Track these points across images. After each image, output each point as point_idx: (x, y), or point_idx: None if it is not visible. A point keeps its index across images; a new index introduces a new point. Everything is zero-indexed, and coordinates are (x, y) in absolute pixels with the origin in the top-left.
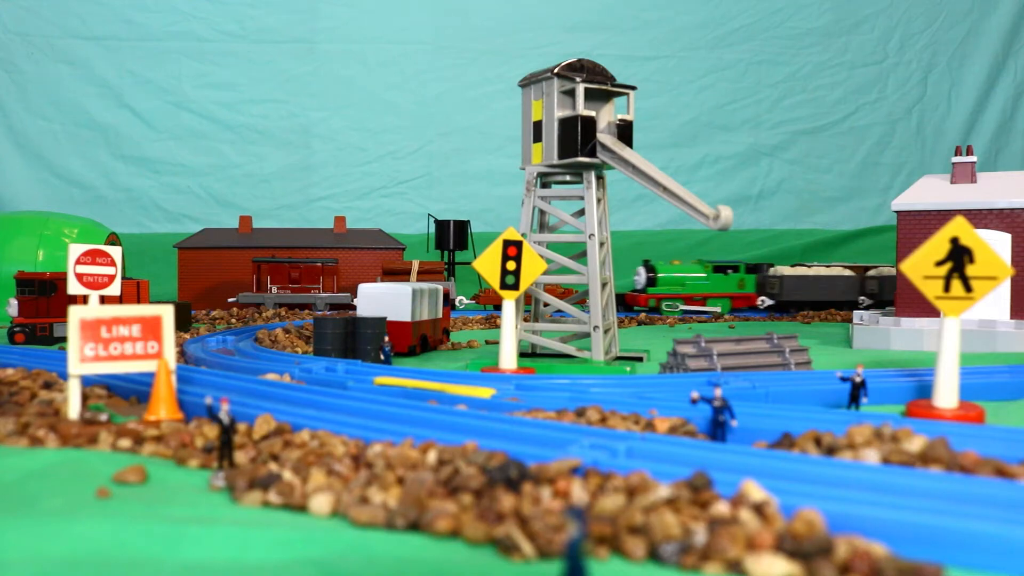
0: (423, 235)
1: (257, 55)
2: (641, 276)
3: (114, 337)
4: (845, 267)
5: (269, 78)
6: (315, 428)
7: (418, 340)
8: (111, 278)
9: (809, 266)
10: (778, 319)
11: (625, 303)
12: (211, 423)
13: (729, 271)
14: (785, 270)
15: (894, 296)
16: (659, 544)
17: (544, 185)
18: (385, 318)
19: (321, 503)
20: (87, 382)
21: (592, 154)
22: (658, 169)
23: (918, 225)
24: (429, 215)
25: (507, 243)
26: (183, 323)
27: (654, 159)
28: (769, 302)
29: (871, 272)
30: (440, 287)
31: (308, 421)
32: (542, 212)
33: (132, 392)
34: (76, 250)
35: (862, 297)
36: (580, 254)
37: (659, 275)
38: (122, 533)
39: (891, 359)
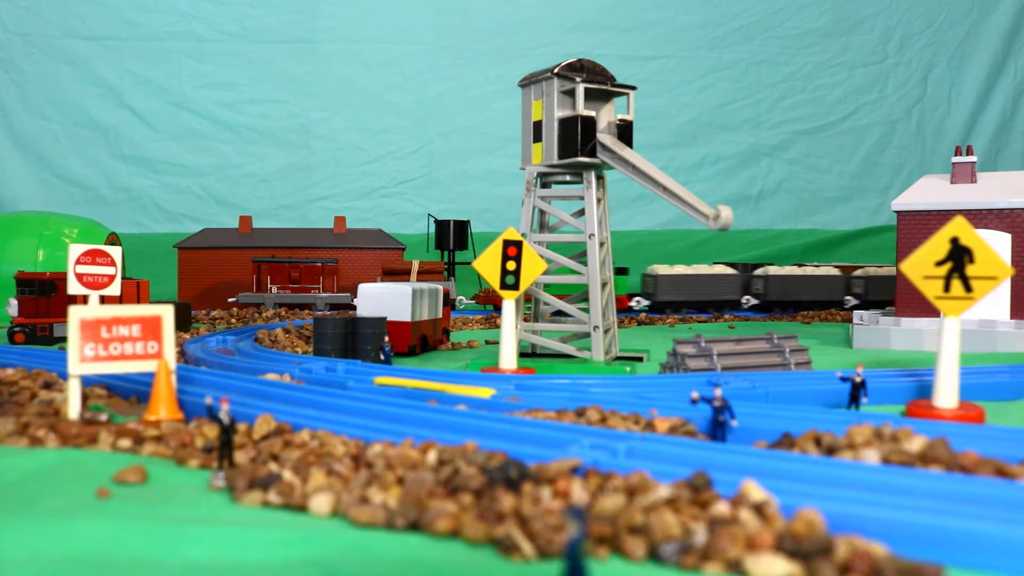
0: (423, 235)
1: (257, 55)
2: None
3: (114, 337)
4: (729, 266)
5: (269, 78)
6: (315, 428)
7: (418, 340)
8: (111, 278)
9: (689, 265)
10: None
11: (479, 302)
12: (211, 423)
13: None
14: (661, 269)
15: (772, 295)
16: (659, 544)
17: (544, 185)
18: (385, 318)
19: (321, 503)
20: (87, 382)
21: (592, 154)
22: (658, 169)
23: (918, 225)
24: (429, 215)
25: (507, 243)
26: (183, 323)
27: (654, 159)
28: (645, 302)
29: (757, 271)
30: (440, 287)
31: (308, 421)
32: (542, 212)
33: (132, 392)
34: (76, 250)
35: (747, 297)
36: (580, 254)
37: None
38: (122, 533)
39: (891, 359)
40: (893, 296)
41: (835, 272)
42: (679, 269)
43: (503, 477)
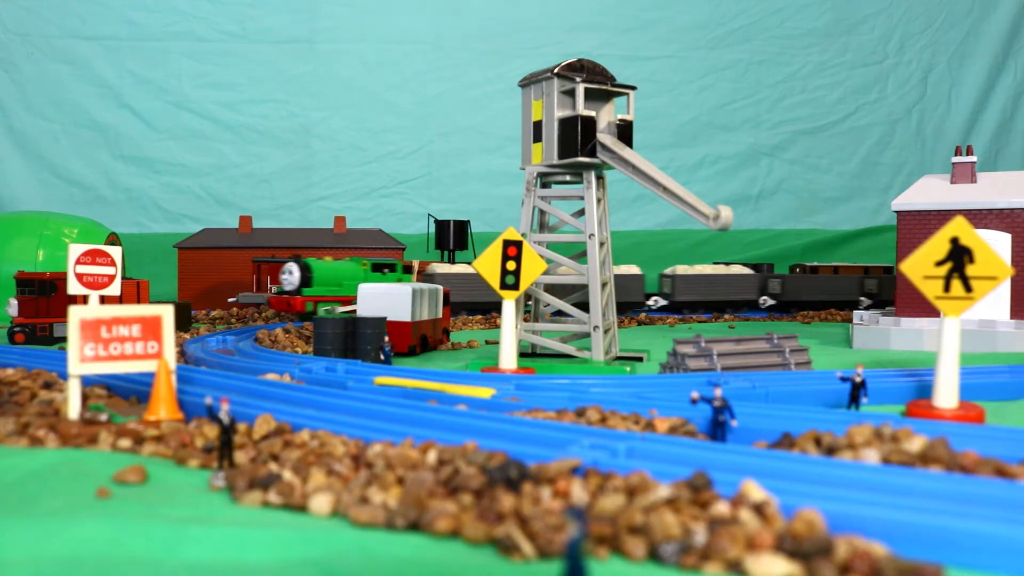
0: (423, 235)
1: (257, 55)
2: (294, 275)
3: (114, 337)
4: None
5: (269, 78)
6: (315, 428)
7: (418, 340)
8: (111, 278)
9: (470, 263)
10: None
11: (272, 308)
12: (211, 423)
13: (386, 270)
14: (441, 268)
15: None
16: (659, 544)
17: (544, 185)
18: (385, 318)
19: (321, 503)
20: (87, 382)
21: (592, 154)
22: (658, 169)
23: (918, 225)
24: (429, 215)
25: (507, 243)
26: (183, 323)
27: (654, 159)
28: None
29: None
30: (440, 287)
31: (308, 421)
32: (542, 212)
33: (132, 392)
34: (76, 250)
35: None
36: (580, 254)
37: (314, 274)
38: (122, 533)
39: (891, 359)
40: (703, 292)
41: (636, 271)
42: (462, 268)
43: (503, 477)
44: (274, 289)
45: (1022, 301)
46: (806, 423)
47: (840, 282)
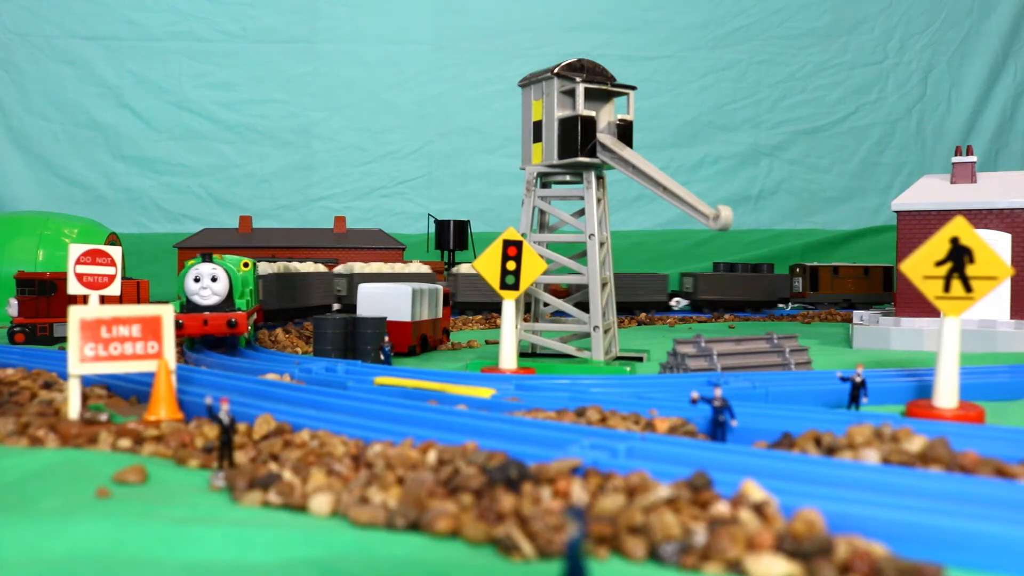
0: (423, 235)
1: (257, 55)
2: (221, 282)
3: (114, 337)
4: (320, 264)
5: (269, 78)
6: (315, 428)
7: (418, 340)
8: (111, 278)
9: (285, 262)
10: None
11: (193, 334)
12: (211, 423)
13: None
14: (264, 268)
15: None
16: (659, 544)
17: (544, 185)
18: (385, 318)
19: (321, 503)
20: (87, 382)
21: (592, 154)
22: (658, 169)
23: (918, 225)
24: (429, 215)
25: (507, 243)
26: None
27: (654, 159)
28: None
29: (339, 269)
30: (440, 287)
31: (308, 421)
32: (542, 212)
33: (132, 392)
34: (76, 250)
35: (336, 305)
36: (580, 254)
37: (232, 279)
38: (122, 533)
39: (891, 359)
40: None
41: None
42: (273, 267)
43: (503, 477)
44: (175, 305)
45: (1022, 301)
46: (806, 423)
47: (648, 281)
